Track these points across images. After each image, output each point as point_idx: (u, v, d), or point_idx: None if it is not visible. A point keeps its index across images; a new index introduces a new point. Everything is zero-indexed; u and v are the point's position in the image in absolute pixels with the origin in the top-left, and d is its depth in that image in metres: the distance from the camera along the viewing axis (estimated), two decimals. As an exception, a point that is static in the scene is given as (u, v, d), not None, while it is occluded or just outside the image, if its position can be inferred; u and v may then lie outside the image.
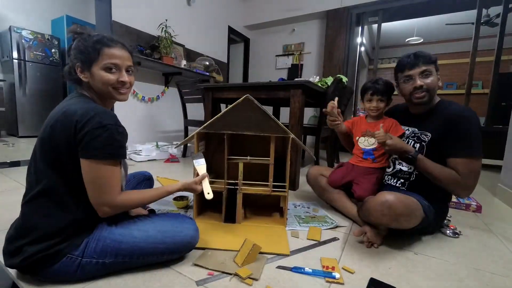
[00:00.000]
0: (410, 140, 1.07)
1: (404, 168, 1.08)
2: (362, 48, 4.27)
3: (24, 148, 2.85)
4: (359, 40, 4.02)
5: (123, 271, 0.74)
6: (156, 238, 0.74)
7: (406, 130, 1.11)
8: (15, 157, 2.27)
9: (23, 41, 3.49)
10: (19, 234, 0.66)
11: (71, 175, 0.67)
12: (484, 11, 3.12)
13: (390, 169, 1.13)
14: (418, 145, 1.04)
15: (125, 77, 0.76)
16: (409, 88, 1.04)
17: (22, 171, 1.80)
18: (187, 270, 0.77)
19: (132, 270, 0.75)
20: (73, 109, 0.66)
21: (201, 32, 3.78)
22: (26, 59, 3.54)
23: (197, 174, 0.91)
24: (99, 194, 0.67)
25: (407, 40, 5.16)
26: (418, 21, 4.49)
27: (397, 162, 1.11)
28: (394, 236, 1.02)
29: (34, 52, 3.61)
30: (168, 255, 0.76)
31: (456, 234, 1.09)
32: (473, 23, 3.05)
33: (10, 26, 3.42)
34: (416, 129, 1.07)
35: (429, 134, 1.02)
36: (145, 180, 1.16)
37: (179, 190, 0.85)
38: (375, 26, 3.98)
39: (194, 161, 0.95)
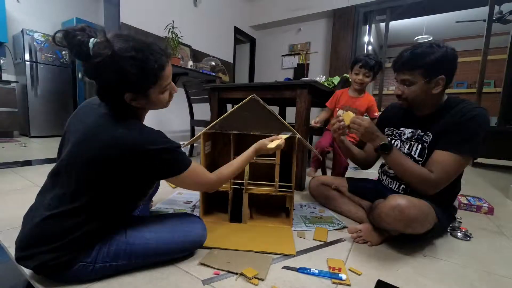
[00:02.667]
0: (413, 143, 1.00)
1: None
2: (370, 47, 4.22)
3: (35, 148, 2.92)
4: (366, 39, 3.98)
5: (131, 270, 0.75)
6: (167, 238, 0.77)
7: (408, 132, 1.03)
8: (27, 156, 2.33)
9: (35, 43, 3.58)
10: (35, 242, 0.63)
11: (113, 193, 0.68)
12: (496, 8, 3.04)
13: (393, 171, 1.06)
14: (420, 146, 0.97)
15: (176, 89, 0.76)
16: (395, 91, 0.98)
17: (34, 170, 1.85)
18: (194, 269, 0.77)
19: (140, 269, 0.76)
20: (129, 136, 0.63)
21: (208, 33, 3.80)
22: (38, 61, 3.63)
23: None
24: (199, 186, 0.80)
25: (415, 38, 5.07)
26: (427, 19, 4.41)
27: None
28: (402, 238, 1.00)
29: (46, 54, 3.70)
30: (179, 253, 0.80)
31: (467, 236, 1.06)
32: (484, 20, 2.97)
33: (22, 29, 3.51)
34: (420, 131, 0.98)
35: (430, 134, 0.94)
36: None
37: (255, 150, 0.92)
38: (382, 24, 3.93)
39: (283, 133, 1.02)
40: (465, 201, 1.43)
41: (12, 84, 3.56)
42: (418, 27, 4.85)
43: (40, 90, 3.70)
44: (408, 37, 5.38)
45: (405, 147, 1.03)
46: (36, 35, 3.59)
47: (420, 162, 0.96)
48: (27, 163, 2.07)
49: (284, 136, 0.97)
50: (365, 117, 0.97)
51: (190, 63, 3.20)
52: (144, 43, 0.63)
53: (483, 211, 1.38)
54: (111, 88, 0.64)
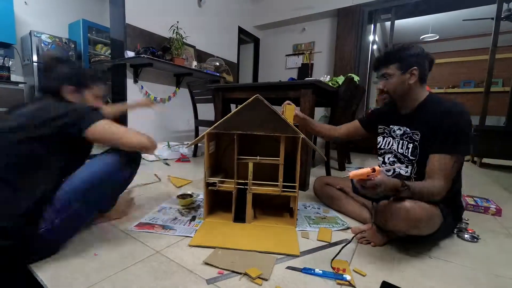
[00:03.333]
0: (404, 141, 1.03)
1: (403, 171, 1.03)
2: (375, 46, 4.18)
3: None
4: (371, 38, 3.95)
5: (136, 267, 0.76)
6: (101, 166, 0.87)
7: (397, 129, 1.07)
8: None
9: (42, 45, 3.64)
10: None
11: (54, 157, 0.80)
12: (504, 5, 2.99)
13: (390, 173, 1.08)
14: (411, 145, 1.00)
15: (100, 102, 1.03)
16: (377, 86, 1.06)
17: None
18: (198, 269, 0.78)
19: (144, 267, 0.77)
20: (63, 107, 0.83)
21: (212, 33, 3.81)
22: (45, 62, 3.68)
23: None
24: (127, 138, 0.88)
25: (421, 37, 5.01)
26: (433, 17, 4.35)
27: (396, 165, 1.06)
28: (408, 239, 0.99)
29: (53, 55, 3.75)
30: (118, 173, 0.90)
31: (474, 238, 1.05)
32: (492, 18, 2.92)
33: (30, 31, 3.57)
34: (408, 129, 1.03)
35: (418, 133, 0.98)
36: None
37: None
38: (388, 23, 3.89)
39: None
40: (472, 202, 1.41)
41: (20, 85, 3.62)
42: (424, 26, 4.78)
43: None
44: (413, 36, 5.31)
45: (397, 144, 1.06)
46: (43, 37, 3.65)
47: (413, 161, 1.00)
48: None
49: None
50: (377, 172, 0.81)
51: (195, 63, 3.22)
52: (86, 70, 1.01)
53: (491, 212, 1.36)
54: (58, 80, 0.92)
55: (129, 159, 0.92)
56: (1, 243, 0.66)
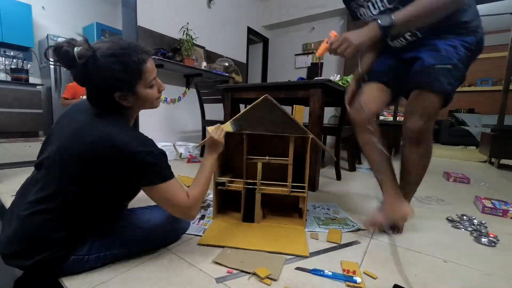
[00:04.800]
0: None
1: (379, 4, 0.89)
2: (386, 45, 4.10)
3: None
4: (382, 36, 3.87)
5: (147, 265, 0.78)
6: (158, 226, 0.83)
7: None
8: (51, 155, 2.45)
9: (58, 48, 3.77)
10: (23, 241, 0.64)
11: (96, 194, 0.68)
12: (525, -1, 2.86)
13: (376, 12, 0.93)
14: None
15: (163, 85, 0.78)
16: None
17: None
18: (207, 267, 0.78)
19: (155, 265, 0.78)
20: (118, 137, 0.64)
21: (221, 34, 3.84)
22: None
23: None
24: (174, 208, 0.74)
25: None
26: (448, 13, 4.22)
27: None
28: (421, 241, 0.97)
29: (68, 58, 3.88)
30: (167, 239, 0.89)
31: (492, 242, 1.01)
32: (511, 13, 2.80)
33: (47, 35, 3.71)
34: None
35: None
36: None
37: (212, 159, 0.91)
38: (400, 21, 3.80)
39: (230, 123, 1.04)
40: (490, 205, 1.36)
41: (37, 87, 3.77)
42: (438, 23, 4.65)
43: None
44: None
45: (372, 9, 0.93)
46: (59, 40, 3.77)
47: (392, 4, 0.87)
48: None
49: (228, 128, 1.02)
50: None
51: (204, 64, 3.25)
52: (123, 42, 0.67)
53: (510, 216, 1.31)
54: (100, 89, 0.66)
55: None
56: (34, 258, 0.64)
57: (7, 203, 1.22)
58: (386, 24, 0.78)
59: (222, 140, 0.92)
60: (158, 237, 0.85)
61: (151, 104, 0.77)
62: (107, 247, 0.74)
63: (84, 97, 0.73)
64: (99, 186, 0.67)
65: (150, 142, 0.68)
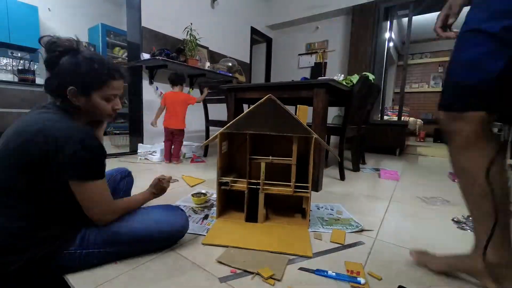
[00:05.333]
0: None
1: None
2: (391, 44, 4.06)
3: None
4: (387, 35, 3.84)
5: (151, 264, 0.78)
6: (153, 227, 0.81)
7: None
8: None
9: (64, 49, 3.82)
10: (5, 247, 0.63)
11: (45, 184, 0.66)
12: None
13: None
14: None
15: (120, 105, 0.79)
16: None
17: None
18: (210, 267, 0.79)
19: (159, 264, 0.79)
20: (52, 128, 0.64)
21: (224, 34, 3.85)
22: (67, 65, 3.86)
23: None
24: (94, 208, 0.71)
25: (441, 33, 4.81)
26: (454, 12, 4.16)
27: None
28: (426, 242, 0.95)
29: (74, 59, 3.93)
30: (163, 242, 0.86)
31: None
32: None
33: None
34: None
35: None
36: (126, 177, 1.14)
37: (150, 195, 0.91)
38: (405, 19, 3.77)
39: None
40: None
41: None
42: (444, 21, 4.59)
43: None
44: (433, 32, 5.10)
45: None
46: (65, 41, 3.83)
47: None
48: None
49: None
50: None
51: (208, 64, 3.26)
52: (106, 58, 0.75)
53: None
54: (60, 78, 0.70)
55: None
56: (24, 257, 0.64)
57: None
58: None
59: (167, 189, 0.97)
60: (149, 238, 0.80)
61: (101, 115, 0.78)
62: (100, 244, 0.74)
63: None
64: (41, 177, 0.65)
65: (89, 136, 0.67)
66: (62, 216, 0.71)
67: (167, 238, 0.86)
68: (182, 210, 0.93)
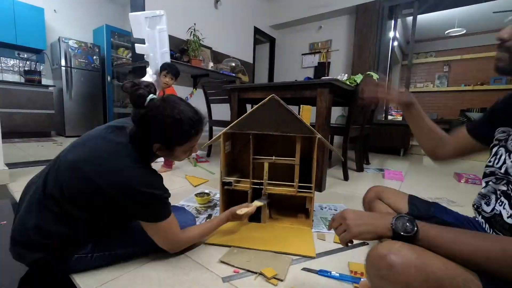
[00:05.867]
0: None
1: (505, 213, 0.53)
2: (395, 43, 4.03)
3: (70, 146, 3.14)
4: (391, 34, 3.81)
5: (155, 263, 0.79)
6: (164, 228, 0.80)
7: None
8: (63, 155, 2.51)
9: (69, 50, 3.87)
10: (31, 240, 0.66)
11: (95, 214, 0.70)
12: (541, -5, 2.76)
13: (489, 209, 0.59)
14: None
15: (197, 150, 0.82)
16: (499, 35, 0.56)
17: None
18: (214, 266, 0.79)
19: (162, 264, 0.79)
20: (128, 175, 0.66)
21: (228, 34, 3.86)
22: (72, 66, 3.91)
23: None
24: (166, 243, 0.77)
25: (446, 32, 4.76)
26: (459, 10, 4.12)
27: (494, 198, 0.58)
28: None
29: (79, 60, 3.97)
30: None
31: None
32: (527, 9, 2.71)
33: (59, 37, 3.80)
34: None
35: None
36: None
37: (226, 218, 0.95)
38: (409, 18, 3.74)
39: (257, 200, 1.07)
40: None
41: (50, 88, 3.86)
42: (449, 20, 4.54)
43: (74, 93, 3.98)
44: (438, 31, 5.06)
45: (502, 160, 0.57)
46: (70, 42, 3.87)
47: None
48: (63, 161, 2.24)
49: (258, 203, 1.04)
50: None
51: (211, 64, 3.27)
52: (192, 111, 0.72)
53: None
54: (146, 133, 0.70)
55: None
56: (33, 257, 0.67)
57: (21, 201, 1.26)
58: (402, 232, 0.50)
59: (242, 219, 1.01)
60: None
61: (174, 159, 0.82)
62: (111, 247, 0.76)
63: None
64: (100, 210, 0.69)
65: (158, 184, 0.71)
66: (88, 232, 0.73)
67: None
68: (189, 211, 0.96)
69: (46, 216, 0.67)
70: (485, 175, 0.64)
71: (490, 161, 0.62)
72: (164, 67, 2.06)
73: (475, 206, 0.67)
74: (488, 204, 0.61)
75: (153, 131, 0.69)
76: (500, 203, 0.55)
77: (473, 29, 4.87)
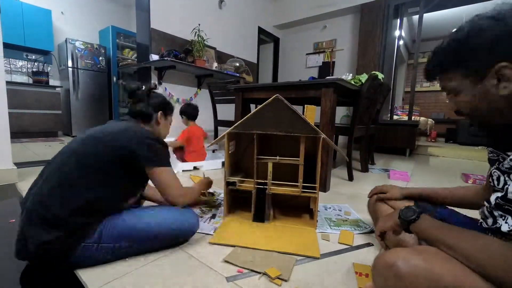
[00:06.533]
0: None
1: (505, 228, 0.53)
2: (401, 42, 3.99)
3: (76, 146, 3.19)
4: (397, 33, 3.77)
5: (159, 262, 0.79)
6: (166, 224, 0.84)
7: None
8: (70, 154, 2.55)
9: (76, 51, 3.92)
10: (37, 221, 0.70)
11: (114, 182, 0.80)
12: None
13: (490, 222, 0.59)
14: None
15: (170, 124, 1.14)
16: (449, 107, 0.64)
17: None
18: (218, 266, 0.79)
19: (167, 263, 0.80)
20: (134, 128, 0.86)
21: (232, 34, 3.86)
22: (79, 67, 3.97)
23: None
24: (170, 191, 0.87)
25: (454, 30, 4.69)
26: (467, 8, 4.05)
27: (497, 215, 0.57)
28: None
29: (85, 61, 4.03)
30: (175, 240, 0.89)
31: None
32: (537, 7, 2.65)
33: (66, 38, 3.86)
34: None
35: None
36: None
37: (201, 187, 1.19)
38: (415, 17, 3.69)
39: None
40: None
41: (57, 89, 3.92)
42: (457, 19, 4.47)
43: (80, 94, 4.04)
44: (444, 29, 4.99)
45: (502, 181, 0.57)
46: (77, 44, 3.93)
47: None
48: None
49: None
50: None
51: (215, 64, 3.28)
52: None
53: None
54: (153, 107, 1.01)
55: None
56: (46, 237, 0.68)
57: (29, 200, 1.28)
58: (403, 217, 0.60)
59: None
60: (163, 234, 0.84)
61: (164, 134, 1.09)
62: (116, 238, 0.77)
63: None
64: (118, 171, 0.80)
65: (158, 139, 0.88)
66: (99, 207, 0.76)
67: (178, 236, 0.88)
68: (192, 210, 0.97)
69: (71, 190, 0.73)
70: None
71: (491, 182, 0.61)
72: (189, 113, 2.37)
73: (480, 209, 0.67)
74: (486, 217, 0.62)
75: (158, 104, 1.02)
76: (503, 217, 0.56)
77: (481, 27, 4.79)
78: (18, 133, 3.46)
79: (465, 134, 4.68)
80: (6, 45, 3.10)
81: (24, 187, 1.49)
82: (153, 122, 1.01)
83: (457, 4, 3.62)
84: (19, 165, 1.72)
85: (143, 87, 1.01)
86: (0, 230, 1.02)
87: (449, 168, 2.64)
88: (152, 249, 0.85)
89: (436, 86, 6.07)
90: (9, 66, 3.75)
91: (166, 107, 1.05)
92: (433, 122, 4.74)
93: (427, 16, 3.69)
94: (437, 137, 5.17)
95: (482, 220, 0.64)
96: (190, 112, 2.33)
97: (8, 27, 3.26)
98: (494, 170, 0.60)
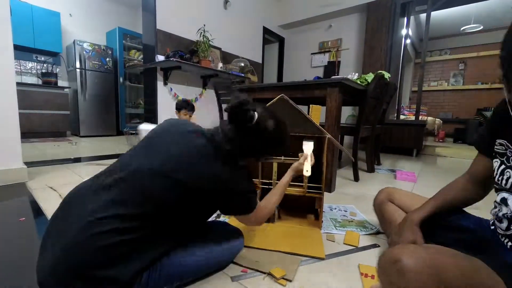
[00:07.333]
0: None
1: None
2: (408, 41, 3.93)
3: (84, 146, 3.24)
4: (404, 32, 3.72)
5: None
6: (217, 254, 0.76)
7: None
8: (77, 154, 2.60)
9: (84, 52, 3.99)
10: (78, 262, 0.53)
11: (183, 219, 0.66)
12: None
13: (504, 226, 0.59)
14: None
15: None
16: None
17: (83, 167, 2.05)
18: (223, 266, 0.79)
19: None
20: (226, 175, 0.67)
21: (237, 35, 3.87)
22: (86, 68, 4.03)
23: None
24: (255, 223, 0.80)
25: (462, 28, 4.61)
26: (475, 6, 3.97)
27: None
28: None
29: (93, 62, 4.09)
30: (225, 265, 0.80)
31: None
32: (549, 3, 2.59)
33: (74, 40, 3.93)
34: None
35: None
36: None
37: (291, 176, 0.95)
38: (423, 15, 3.64)
39: (304, 141, 1.05)
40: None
41: (65, 90, 4.00)
42: (465, 16, 4.39)
43: (88, 94, 4.10)
44: (453, 28, 4.91)
45: None
46: (85, 45, 4.00)
47: None
48: (77, 160, 2.31)
49: (308, 148, 1.01)
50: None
51: (220, 65, 3.30)
52: (285, 127, 0.79)
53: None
54: (247, 149, 0.73)
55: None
56: (107, 272, 0.54)
57: (39, 199, 1.31)
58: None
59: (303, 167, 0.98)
60: (215, 266, 0.77)
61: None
62: (166, 280, 0.65)
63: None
64: (189, 212, 0.67)
65: (249, 181, 0.74)
66: (158, 243, 0.64)
67: (228, 260, 0.81)
68: (238, 229, 0.87)
69: (116, 237, 0.55)
70: (496, 190, 0.65)
71: (498, 180, 0.61)
72: (184, 106, 2.34)
73: (492, 210, 0.67)
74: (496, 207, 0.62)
75: (257, 145, 0.74)
76: None
77: (490, 25, 4.70)
78: (27, 133, 3.53)
79: (474, 133, 4.60)
80: (16, 47, 3.17)
81: (34, 185, 1.52)
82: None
83: (465, 1, 3.56)
84: (29, 164, 1.76)
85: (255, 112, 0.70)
86: (11, 229, 1.04)
87: (458, 168, 2.60)
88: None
89: (444, 85, 5.97)
90: (19, 67, 3.84)
91: (268, 153, 0.81)
92: (441, 122, 4.66)
93: (434, 14, 3.63)
94: (445, 137, 5.09)
95: (493, 221, 0.64)
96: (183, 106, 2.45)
97: (18, 29, 3.33)
98: (507, 170, 0.58)
